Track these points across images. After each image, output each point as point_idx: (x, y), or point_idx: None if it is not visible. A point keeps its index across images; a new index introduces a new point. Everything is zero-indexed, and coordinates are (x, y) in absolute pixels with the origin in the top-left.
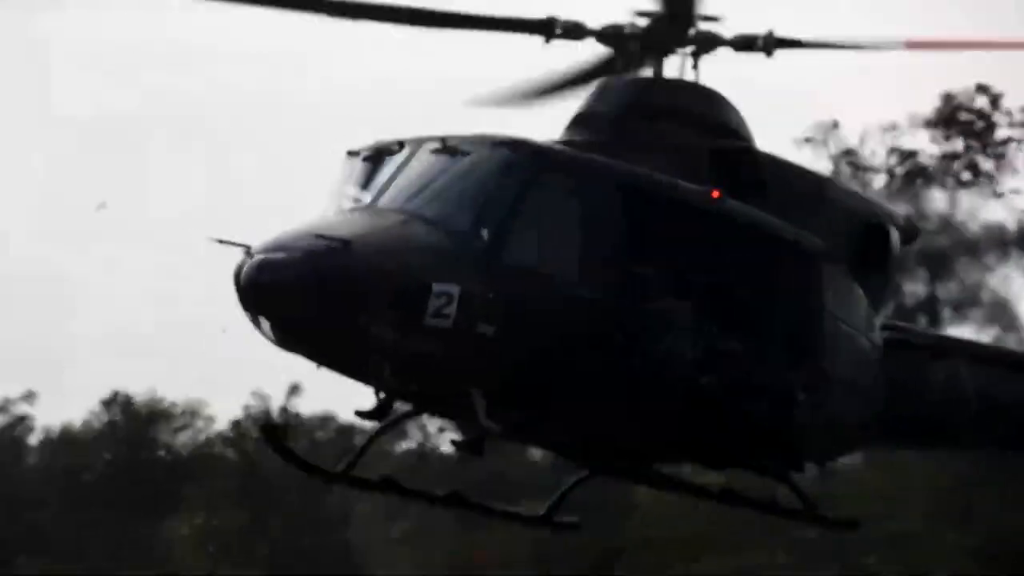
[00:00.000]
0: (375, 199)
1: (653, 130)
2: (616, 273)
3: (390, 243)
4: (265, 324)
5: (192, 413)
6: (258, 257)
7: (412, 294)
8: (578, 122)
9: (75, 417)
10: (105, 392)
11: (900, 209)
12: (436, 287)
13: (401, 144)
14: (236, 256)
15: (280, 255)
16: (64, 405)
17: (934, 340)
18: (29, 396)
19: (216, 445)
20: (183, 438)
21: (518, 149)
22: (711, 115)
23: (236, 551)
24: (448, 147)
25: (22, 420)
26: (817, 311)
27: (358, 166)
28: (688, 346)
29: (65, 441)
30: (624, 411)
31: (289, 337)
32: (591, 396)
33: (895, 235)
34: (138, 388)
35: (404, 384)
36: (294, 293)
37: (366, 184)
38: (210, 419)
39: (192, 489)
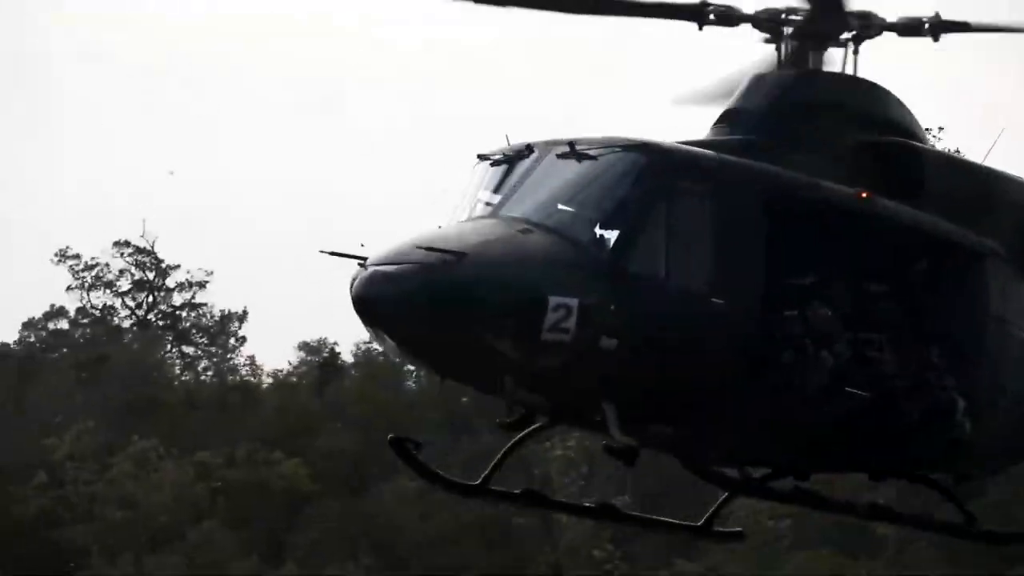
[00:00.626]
0: (500, 205)
1: (806, 127)
2: (754, 281)
3: (507, 255)
4: (383, 337)
5: None
6: (371, 270)
7: (527, 308)
8: (727, 118)
9: None
10: None
11: None
12: (553, 300)
13: (530, 148)
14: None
15: (392, 268)
16: None
17: None
18: None
19: None
20: None
21: (648, 152)
22: (873, 110)
23: None
24: (576, 151)
25: None
26: (981, 314)
27: (487, 170)
28: (836, 354)
29: None
30: (769, 423)
31: (406, 350)
32: (733, 409)
33: None
34: None
35: (531, 397)
36: (404, 307)
37: (494, 189)
38: None
39: None
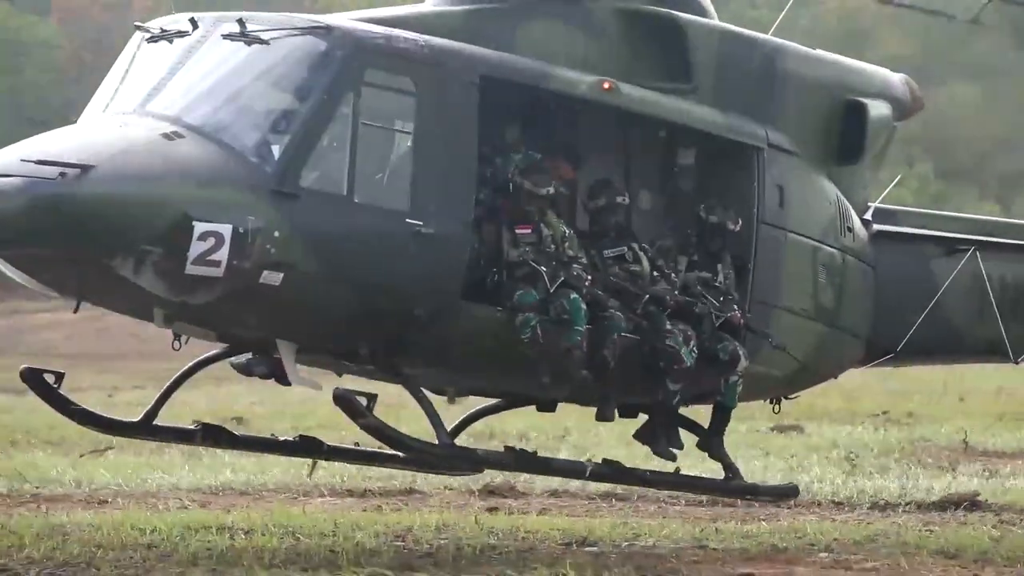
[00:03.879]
0: (149, 98)
1: None
2: (466, 195)
3: (143, 168)
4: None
5: None
6: None
7: (165, 237)
8: None
9: None
10: None
11: (896, 77)
12: (200, 227)
13: (194, 23)
14: None
15: None
16: None
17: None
18: None
19: None
20: None
21: (330, 36)
22: None
23: None
24: (245, 32)
25: None
26: (751, 220)
27: (141, 48)
28: (575, 274)
29: None
30: (493, 355)
31: (23, 277)
32: (446, 347)
33: (877, 111)
34: None
35: (194, 331)
36: (8, 235)
37: (145, 75)
38: None
39: None
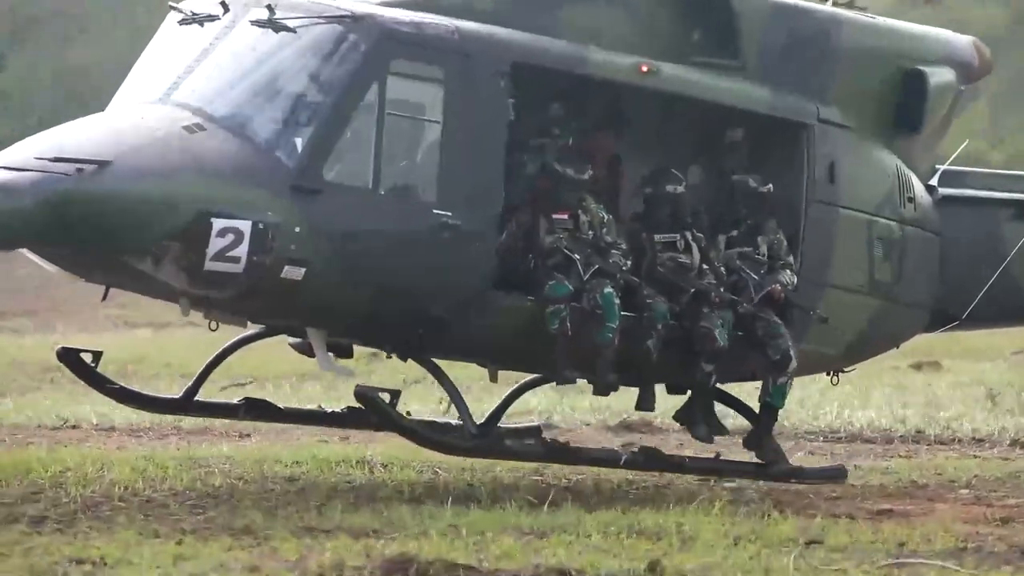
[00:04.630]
0: (174, 86)
1: None
2: (497, 185)
3: (162, 163)
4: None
5: None
6: None
7: (183, 233)
8: None
9: None
10: None
11: (963, 40)
12: (218, 223)
13: (225, 6)
14: None
15: (9, 176)
16: None
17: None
18: None
19: None
20: None
21: (358, 24)
22: None
23: None
24: (273, 19)
25: None
26: (802, 199)
27: (173, 31)
28: (620, 264)
29: None
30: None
31: (60, 269)
32: (481, 338)
33: (940, 79)
34: None
35: (223, 317)
36: (23, 230)
37: (174, 60)
38: None
39: None
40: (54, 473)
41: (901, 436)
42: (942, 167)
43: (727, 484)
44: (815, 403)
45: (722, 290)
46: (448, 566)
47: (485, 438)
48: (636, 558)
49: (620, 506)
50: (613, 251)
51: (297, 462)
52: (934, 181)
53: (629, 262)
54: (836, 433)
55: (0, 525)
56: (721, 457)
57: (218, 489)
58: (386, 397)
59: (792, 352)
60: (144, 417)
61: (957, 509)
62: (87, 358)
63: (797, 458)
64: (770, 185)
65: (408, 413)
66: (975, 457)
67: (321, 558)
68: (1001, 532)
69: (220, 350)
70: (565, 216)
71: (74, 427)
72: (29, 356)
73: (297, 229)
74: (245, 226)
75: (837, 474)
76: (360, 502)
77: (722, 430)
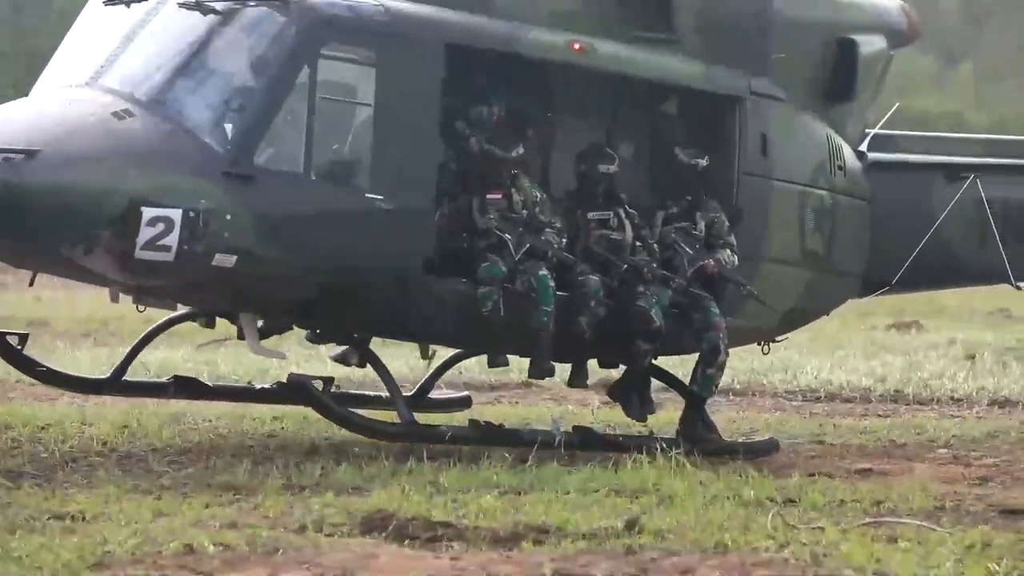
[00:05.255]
0: (102, 70)
1: None
2: (426, 168)
3: (91, 151)
4: None
5: None
6: None
7: (111, 224)
8: None
9: None
10: None
11: (892, 5)
12: (148, 212)
13: None
14: None
15: None
16: None
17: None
18: None
19: None
20: None
21: (288, 7)
22: None
23: None
24: (200, 2)
25: None
26: (733, 172)
27: (99, 12)
28: (552, 242)
29: None
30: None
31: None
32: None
33: (871, 47)
34: None
35: (156, 303)
36: None
37: (101, 43)
38: None
39: None
40: (33, 428)
41: (880, 396)
42: (872, 131)
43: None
44: (794, 363)
45: (655, 266)
46: (427, 523)
47: (419, 426)
48: (615, 516)
49: (599, 465)
50: (547, 230)
51: (276, 418)
52: (863, 147)
53: (564, 240)
54: (815, 393)
55: None
56: (655, 435)
57: (198, 445)
58: (319, 384)
59: (722, 345)
60: None
61: (935, 468)
62: (13, 341)
63: (775, 418)
64: (705, 158)
65: (338, 387)
66: (953, 417)
67: (301, 514)
68: (979, 491)
69: (147, 330)
70: (499, 196)
71: None
72: (8, 311)
73: (229, 216)
74: (175, 214)
75: (770, 447)
76: (340, 459)
77: (652, 408)
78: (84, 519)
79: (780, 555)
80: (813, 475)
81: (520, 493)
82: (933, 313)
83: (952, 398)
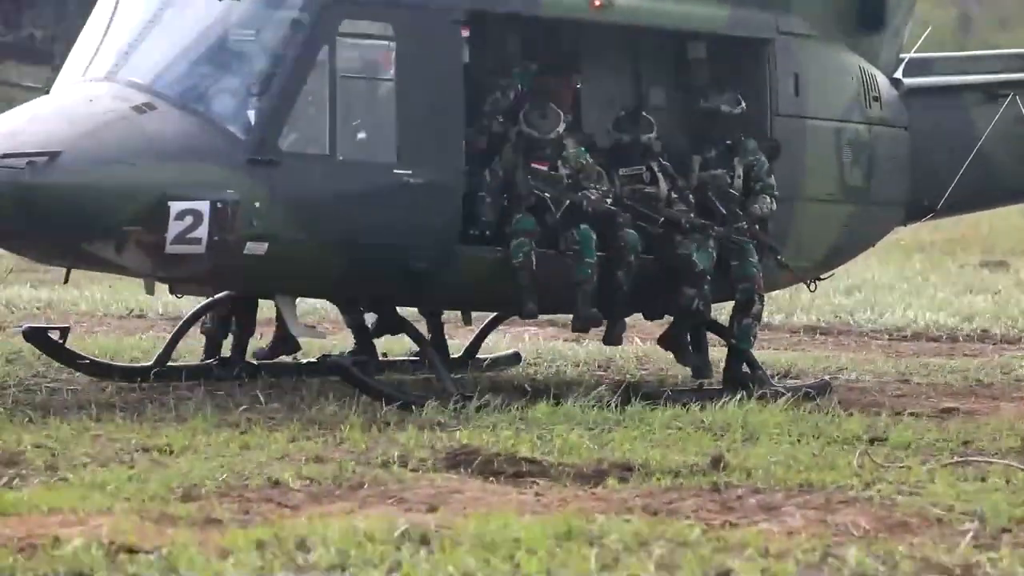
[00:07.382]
0: (121, 62)
1: None
2: (454, 140)
3: (114, 149)
4: None
5: None
6: None
7: (140, 221)
8: None
9: None
10: None
11: None
12: (176, 207)
13: None
14: None
15: None
16: None
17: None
18: None
19: None
20: None
21: None
22: None
23: None
24: None
25: None
26: (762, 116)
27: (115, 2)
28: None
29: None
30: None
31: (25, 257)
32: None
33: None
34: None
35: (193, 290)
36: None
37: (118, 35)
38: None
39: None
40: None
41: (967, 335)
42: (907, 56)
43: (791, 381)
44: (881, 302)
45: (692, 215)
46: (511, 459)
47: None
48: (700, 453)
49: (684, 403)
50: (592, 188)
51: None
52: (899, 73)
53: (608, 201)
54: (901, 331)
55: (68, 413)
56: (705, 387)
57: (283, 381)
58: (55, 334)
59: (757, 296)
60: None
61: (1022, 408)
62: (55, 335)
63: (867, 356)
64: (743, 105)
65: (384, 355)
66: None
67: (386, 449)
68: None
69: (189, 315)
70: (544, 166)
71: (140, 316)
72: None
73: (257, 204)
74: (203, 207)
75: (821, 389)
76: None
77: (710, 371)
78: (171, 452)
79: (865, 494)
80: (899, 414)
81: (605, 431)
82: (1021, 252)
83: None
